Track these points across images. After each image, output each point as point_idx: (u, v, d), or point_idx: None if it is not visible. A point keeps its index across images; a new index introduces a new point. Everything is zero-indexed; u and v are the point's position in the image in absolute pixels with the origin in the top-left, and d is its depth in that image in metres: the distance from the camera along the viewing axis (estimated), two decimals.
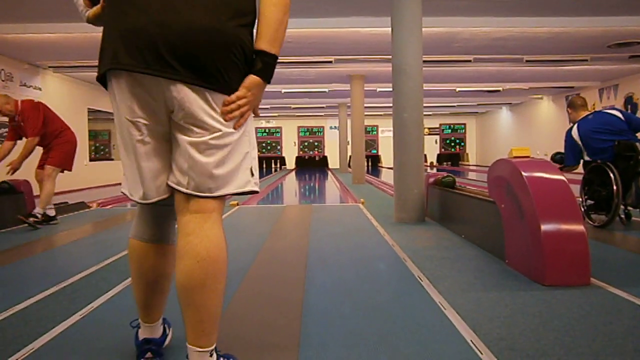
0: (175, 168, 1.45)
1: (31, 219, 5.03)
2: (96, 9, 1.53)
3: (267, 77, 1.45)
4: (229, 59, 1.37)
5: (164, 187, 1.49)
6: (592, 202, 4.62)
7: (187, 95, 1.36)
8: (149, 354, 1.66)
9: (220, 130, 1.40)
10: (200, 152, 1.40)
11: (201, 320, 1.40)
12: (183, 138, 1.41)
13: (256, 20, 1.44)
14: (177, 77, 1.34)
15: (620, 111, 4.75)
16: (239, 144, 1.45)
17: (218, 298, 1.43)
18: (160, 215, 1.60)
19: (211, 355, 1.43)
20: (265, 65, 1.42)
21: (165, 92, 1.37)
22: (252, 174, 1.49)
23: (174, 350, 1.77)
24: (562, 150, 4.85)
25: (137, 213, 1.63)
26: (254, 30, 1.46)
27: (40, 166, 5.39)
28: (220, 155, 1.41)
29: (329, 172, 19.13)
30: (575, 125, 4.72)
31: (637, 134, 4.61)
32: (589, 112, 4.79)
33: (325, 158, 24.93)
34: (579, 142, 4.64)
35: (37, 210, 5.14)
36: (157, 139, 1.46)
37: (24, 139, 5.23)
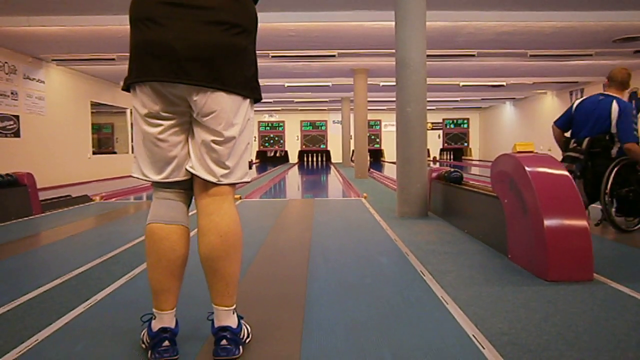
0: (194, 157, 1.68)
1: None
2: None
3: None
4: (238, 63, 1.64)
5: (183, 171, 1.70)
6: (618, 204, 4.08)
7: (205, 98, 1.60)
8: (166, 343, 1.67)
9: (231, 127, 1.64)
10: (215, 145, 1.64)
11: (226, 284, 1.68)
12: (201, 133, 1.65)
13: (251, 22, 1.70)
14: (197, 82, 1.58)
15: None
16: (244, 138, 1.71)
17: (238, 265, 1.73)
18: (177, 199, 1.75)
19: (233, 313, 1.72)
20: None
21: (186, 96, 1.61)
22: (250, 167, 1.77)
23: (187, 342, 1.77)
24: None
25: (154, 201, 1.75)
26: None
27: None
28: (231, 148, 1.67)
29: (332, 166, 19.12)
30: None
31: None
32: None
33: (328, 152, 24.92)
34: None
35: None
36: (177, 133, 1.67)
37: None
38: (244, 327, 1.80)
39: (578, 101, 4.41)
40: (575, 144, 4.18)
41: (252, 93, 1.70)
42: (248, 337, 1.83)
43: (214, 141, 1.64)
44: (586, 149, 4.07)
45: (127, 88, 1.70)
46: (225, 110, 1.62)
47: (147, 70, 1.59)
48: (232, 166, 1.68)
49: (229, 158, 1.67)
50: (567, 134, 4.42)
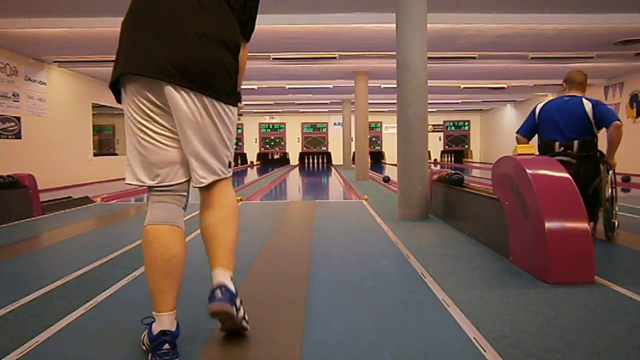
0: (194, 163, 1.75)
1: None
2: None
3: None
4: (227, 76, 1.74)
5: (177, 175, 1.77)
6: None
7: (187, 104, 1.68)
8: (166, 346, 1.66)
9: (218, 131, 1.75)
10: (207, 148, 1.73)
11: (226, 247, 1.82)
12: (191, 138, 1.72)
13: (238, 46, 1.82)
14: (187, 85, 1.65)
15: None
16: (231, 135, 1.84)
17: (236, 232, 1.88)
18: (172, 202, 1.78)
19: (231, 279, 1.81)
20: None
21: (170, 102, 1.67)
22: (230, 165, 1.88)
23: (187, 344, 1.77)
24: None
25: (150, 206, 1.78)
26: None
27: None
28: (221, 148, 1.79)
29: (333, 168, 19.12)
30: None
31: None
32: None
33: (329, 154, 24.93)
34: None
35: None
36: (169, 138, 1.74)
37: None
38: (240, 303, 1.84)
39: (540, 105, 4.22)
40: (562, 148, 3.95)
41: (237, 100, 1.82)
42: (243, 312, 1.87)
43: (204, 145, 1.72)
44: (577, 153, 3.89)
45: (118, 99, 1.79)
46: (211, 115, 1.71)
47: (131, 64, 1.67)
48: (227, 158, 1.83)
49: (222, 155, 1.80)
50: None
